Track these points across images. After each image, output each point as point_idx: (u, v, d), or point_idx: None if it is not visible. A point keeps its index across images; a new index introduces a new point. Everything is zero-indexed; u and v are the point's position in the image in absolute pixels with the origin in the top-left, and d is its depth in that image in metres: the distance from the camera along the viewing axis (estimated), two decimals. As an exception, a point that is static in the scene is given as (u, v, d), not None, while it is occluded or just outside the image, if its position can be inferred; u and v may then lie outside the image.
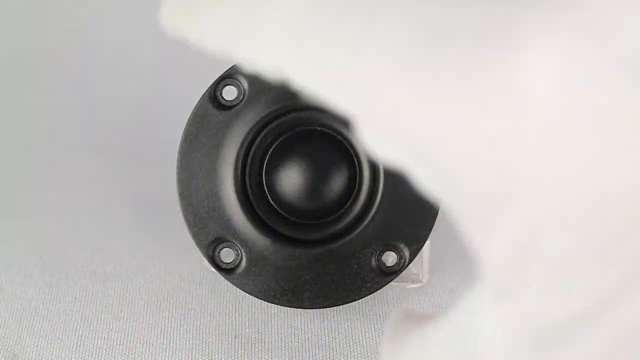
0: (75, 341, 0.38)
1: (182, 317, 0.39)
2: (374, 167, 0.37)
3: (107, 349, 0.37)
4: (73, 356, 0.37)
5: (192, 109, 0.36)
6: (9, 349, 0.37)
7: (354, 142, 0.37)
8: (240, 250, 0.36)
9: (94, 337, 0.38)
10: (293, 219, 0.37)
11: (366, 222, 0.37)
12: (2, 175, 0.50)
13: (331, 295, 0.36)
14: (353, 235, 0.37)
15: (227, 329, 0.38)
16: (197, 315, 0.39)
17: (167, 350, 0.37)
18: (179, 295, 0.41)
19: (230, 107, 0.36)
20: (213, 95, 0.36)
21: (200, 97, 0.36)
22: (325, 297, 0.36)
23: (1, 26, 0.57)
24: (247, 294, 0.37)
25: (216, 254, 0.37)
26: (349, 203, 0.37)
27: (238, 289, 0.37)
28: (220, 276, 0.37)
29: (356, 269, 0.36)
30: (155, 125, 0.53)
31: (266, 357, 0.37)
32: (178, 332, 0.38)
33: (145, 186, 0.49)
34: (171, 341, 0.38)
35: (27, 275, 0.42)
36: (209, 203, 0.36)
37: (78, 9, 0.58)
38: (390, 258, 0.37)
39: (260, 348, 0.37)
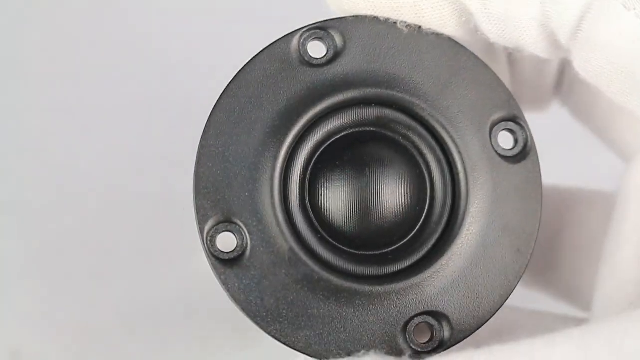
0: (76, 341, 0.38)
1: (183, 316, 0.39)
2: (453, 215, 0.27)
3: (108, 349, 0.37)
4: (73, 356, 0.37)
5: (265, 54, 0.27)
6: (10, 348, 0.37)
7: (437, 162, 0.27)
8: (247, 241, 0.26)
9: (94, 337, 0.38)
10: (325, 235, 0.27)
11: (420, 273, 0.26)
12: (2, 175, 0.50)
13: (330, 347, 0.26)
14: (397, 284, 0.26)
15: (225, 325, 0.38)
16: (197, 313, 0.39)
17: (168, 349, 0.37)
18: (179, 295, 0.41)
19: (315, 66, 0.27)
20: (297, 47, 0.27)
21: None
22: (323, 345, 0.26)
23: (1, 26, 0.58)
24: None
25: (215, 239, 0.26)
26: (405, 241, 0.27)
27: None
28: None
29: (377, 331, 0.26)
30: (156, 125, 0.53)
31: (266, 356, 0.37)
32: (178, 331, 0.38)
33: (146, 186, 0.49)
34: (171, 340, 0.38)
35: (27, 275, 0.42)
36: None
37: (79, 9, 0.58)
38: (421, 333, 0.27)
39: (260, 345, 0.37)
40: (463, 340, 0.26)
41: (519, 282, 0.27)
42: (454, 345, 0.26)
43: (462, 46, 0.27)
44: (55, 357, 0.37)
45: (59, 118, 0.53)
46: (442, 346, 0.26)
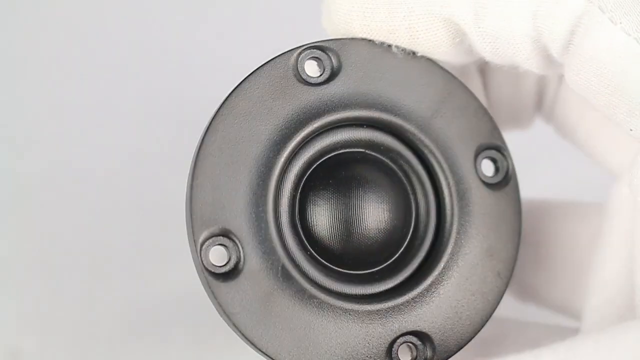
0: (76, 340, 0.38)
1: (183, 316, 0.40)
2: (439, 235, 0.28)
3: (108, 349, 0.38)
4: (73, 356, 0.37)
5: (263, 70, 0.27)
6: (11, 348, 0.37)
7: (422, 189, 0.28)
8: (241, 255, 0.26)
9: (94, 337, 0.38)
10: (314, 253, 0.27)
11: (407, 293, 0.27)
12: (2, 175, 0.50)
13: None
14: (383, 304, 0.27)
15: (225, 325, 0.38)
16: (197, 313, 0.39)
17: (168, 349, 0.38)
18: (179, 295, 0.41)
19: (311, 84, 0.27)
20: (294, 65, 0.27)
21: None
22: (303, 358, 0.26)
23: (1, 26, 0.57)
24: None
25: (208, 252, 0.26)
26: (397, 256, 0.28)
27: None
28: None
29: (362, 350, 0.26)
30: (156, 125, 0.53)
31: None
32: (178, 331, 0.39)
33: (146, 186, 0.49)
34: (171, 338, 0.38)
35: (27, 275, 0.42)
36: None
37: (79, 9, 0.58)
38: (405, 353, 0.27)
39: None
40: None
41: (498, 304, 0.27)
42: None
43: (451, 74, 0.27)
44: (55, 357, 0.38)
45: (59, 118, 0.53)
46: None
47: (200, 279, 0.26)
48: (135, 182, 0.49)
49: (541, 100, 0.30)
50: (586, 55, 0.23)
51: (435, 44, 0.26)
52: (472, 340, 0.27)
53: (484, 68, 0.30)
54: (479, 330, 0.27)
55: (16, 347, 0.38)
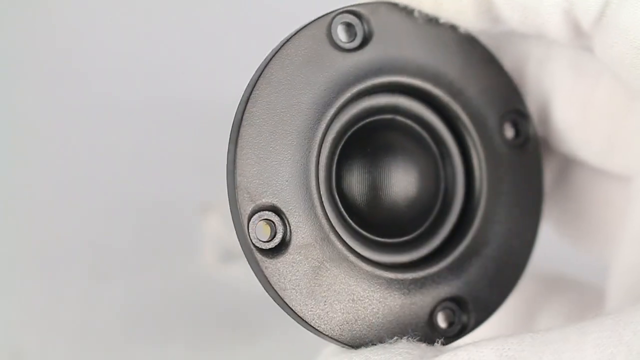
0: (76, 340, 0.38)
1: (183, 316, 0.39)
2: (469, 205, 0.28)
3: (108, 349, 0.38)
4: (73, 356, 0.37)
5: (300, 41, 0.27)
6: (12, 348, 0.37)
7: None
8: (289, 227, 0.26)
9: (94, 337, 0.38)
10: (352, 223, 0.27)
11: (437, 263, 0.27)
12: (2, 175, 0.50)
13: (363, 333, 0.26)
14: (422, 271, 0.27)
15: (225, 325, 0.38)
16: (197, 313, 0.39)
17: (168, 349, 0.37)
18: (179, 295, 0.41)
19: (345, 50, 0.27)
20: (329, 31, 0.27)
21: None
22: (357, 332, 0.26)
23: (1, 25, 0.57)
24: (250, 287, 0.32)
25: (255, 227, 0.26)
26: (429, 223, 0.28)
27: (236, 283, 0.34)
28: (221, 274, 0.36)
29: (405, 317, 0.26)
30: (156, 126, 0.53)
31: (266, 351, 0.37)
32: (178, 331, 0.38)
33: (146, 187, 0.49)
34: (171, 338, 0.38)
35: (28, 275, 0.42)
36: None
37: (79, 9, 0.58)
38: (444, 318, 0.27)
39: (260, 345, 0.37)
40: (483, 322, 0.27)
41: (528, 262, 0.28)
42: (473, 330, 0.27)
43: (476, 39, 0.27)
44: (55, 357, 0.37)
45: (59, 118, 0.53)
46: (464, 331, 0.27)
47: (247, 255, 0.26)
48: (135, 182, 0.49)
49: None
50: (622, 26, 0.23)
51: (459, 11, 0.26)
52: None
53: None
54: (510, 292, 0.28)
55: (17, 347, 0.38)
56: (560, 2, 0.24)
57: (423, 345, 0.24)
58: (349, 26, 0.27)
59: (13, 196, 0.49)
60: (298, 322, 0.26)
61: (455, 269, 0.27)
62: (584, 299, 0.30)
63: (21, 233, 0.45)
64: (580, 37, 0.25)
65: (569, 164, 0.30)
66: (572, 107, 0.27)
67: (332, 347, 0.25)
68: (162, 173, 0.45)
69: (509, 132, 0.28)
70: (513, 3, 0.25)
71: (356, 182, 0.27)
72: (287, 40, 0.26)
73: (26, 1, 0.58)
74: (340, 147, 0.27)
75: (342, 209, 0.27)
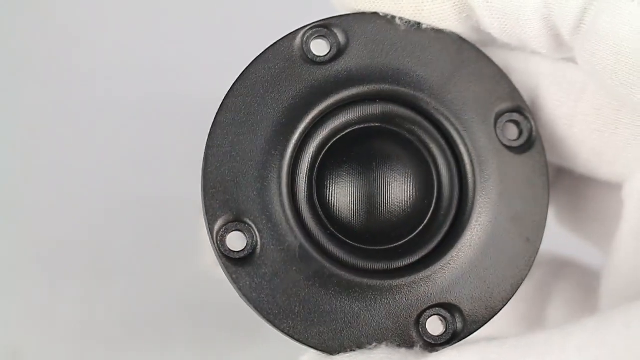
0: (76, 341, 0.38)
1: (183, 316, 0.39)
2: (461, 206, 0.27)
3: (108, 349, 0.37)
4: (73, 356, 0.37)
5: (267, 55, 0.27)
6: (11, 348, 0.37)
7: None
8: (257, 239, 0.26)
9: (94, 337, 0.38)
10: (335, 231, 0.27)
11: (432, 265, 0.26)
12: (2, 175, 0.50)
13: (343, 342, 0.26)
14: (407, 277, 0.26)
15: (225, 325, 0.38)
16: (197, 313, 0.39)
17: (168, 349, 0.37)
18: (179, 295, 0.41)
19: (318, 63, 0.27)
20: (300, 46, 0.27)
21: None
22: (337, 340, 0.26)
23: (2, 26, 0.57)
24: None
25: (225, 238, 0.26)
26: (417, 231, 0.27)
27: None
28: (221, 274, 0.36)
29: (389, 324, 0.26)
30: (156, 126, 0.53)
31: (265, 351, 0.37)
32: (178, 331, 0.38)
33: (146, 186, 0.49)
34: (171, 338, 0.38)
35: (27, 275, 0.42)
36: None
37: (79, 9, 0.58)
38: (434, 325, 0.26)
39: (260, 345, 0.37)
40: (476, 331, 0.26)
41: (529, 271, 0.27)
42: (467, 336, 0.26)
43: (464, 39, 0.27)
44: (54, 357, 0.37)
45: (59, 118, 0.53)
46: (456, 337, 0.26)
47: (220, 265, 0.26)
48: (135, 182, 0.49)
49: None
50: (602, 32, 0.23)
51: (440, 18, 0.26)
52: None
53: None
54: (509, 299, 0.27)
55: (16, 346, 0.38)
56: (538, 8, 0.24)
57: (403, 350, 0.24)
58: (321, 39, 0.27)
59: (13, 196, 0.49)
60: (277, 331, 0.26)
61: (443, 275, 0.26)
62: (594, 283, 0.30)
63: (21, 233, 0.45)
64: (561, 47, 0.25)
65: (559, 169, 0.30)
66: (556, 123, 0.27)
67: (311, 353, 0.25)
68: (163, 173, 0.45)
69: (511, 134, 0.27)
70: (492, 9, 0.24)
71: (339, 191, 0.27)
72: (257, 58, 0.26)
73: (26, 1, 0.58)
74: (321, 157, 0.27)
75: (324, 218, 0.27)
